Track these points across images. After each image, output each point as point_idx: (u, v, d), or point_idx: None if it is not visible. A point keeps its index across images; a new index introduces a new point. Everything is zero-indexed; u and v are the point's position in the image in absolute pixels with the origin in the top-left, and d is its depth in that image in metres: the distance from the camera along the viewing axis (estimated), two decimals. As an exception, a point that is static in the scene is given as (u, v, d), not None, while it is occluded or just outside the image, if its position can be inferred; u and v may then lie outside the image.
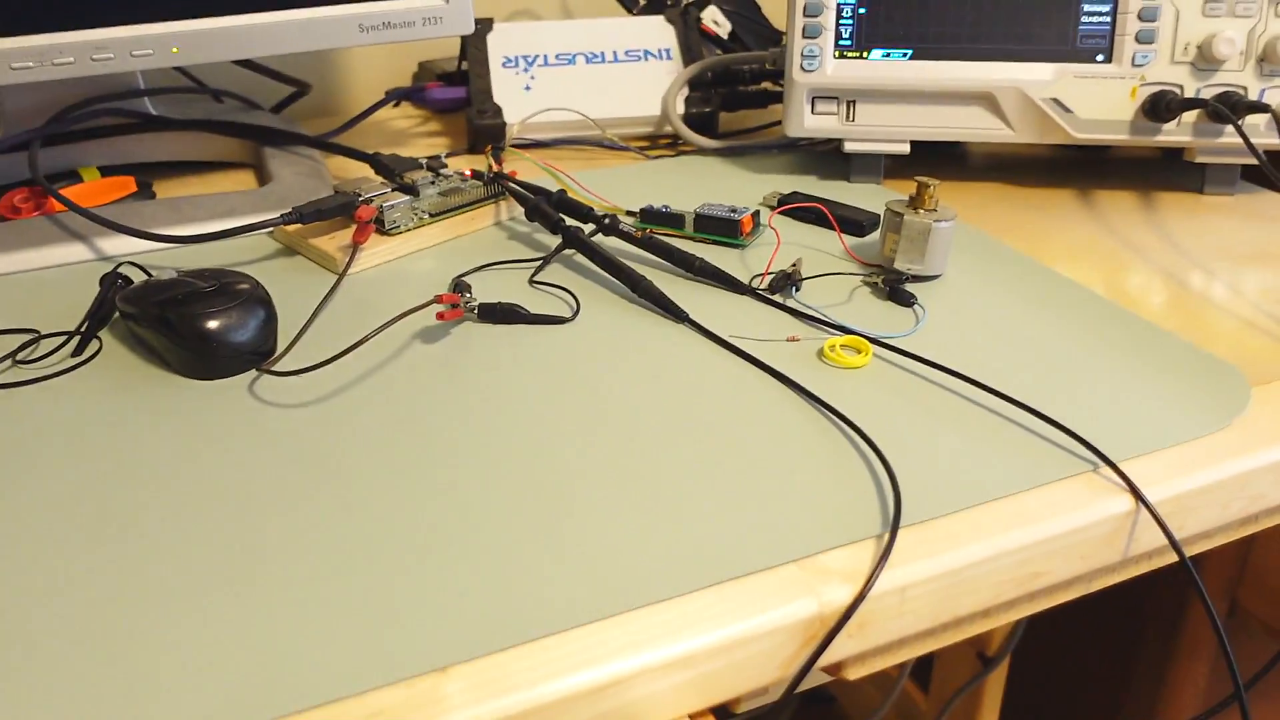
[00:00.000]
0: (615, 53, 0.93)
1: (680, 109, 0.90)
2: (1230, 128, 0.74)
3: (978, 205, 0.78)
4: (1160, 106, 0.74)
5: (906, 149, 0.79)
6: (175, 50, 0.74)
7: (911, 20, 0.76)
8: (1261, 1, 0.73)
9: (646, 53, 0.94)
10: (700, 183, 0.82)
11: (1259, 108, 0.72)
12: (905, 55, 0.77)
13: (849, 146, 0.79)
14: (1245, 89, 0.74)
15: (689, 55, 0.93)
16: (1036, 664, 1.20)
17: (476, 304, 0.62)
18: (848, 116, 0.78)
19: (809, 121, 0.79)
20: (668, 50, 0.94)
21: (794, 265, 0.66)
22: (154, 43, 0.73)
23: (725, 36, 0.98)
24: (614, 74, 0.92)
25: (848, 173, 0.81)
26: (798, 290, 0.64)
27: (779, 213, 0.75)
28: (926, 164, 0.83)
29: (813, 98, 0.78)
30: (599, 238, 0.70)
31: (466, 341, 0.60)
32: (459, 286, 0.64)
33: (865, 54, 0.77)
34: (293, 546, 0.44)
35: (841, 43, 0.77)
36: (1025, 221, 0.75)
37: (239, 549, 0.44)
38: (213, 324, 0.56)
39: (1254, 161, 0.73)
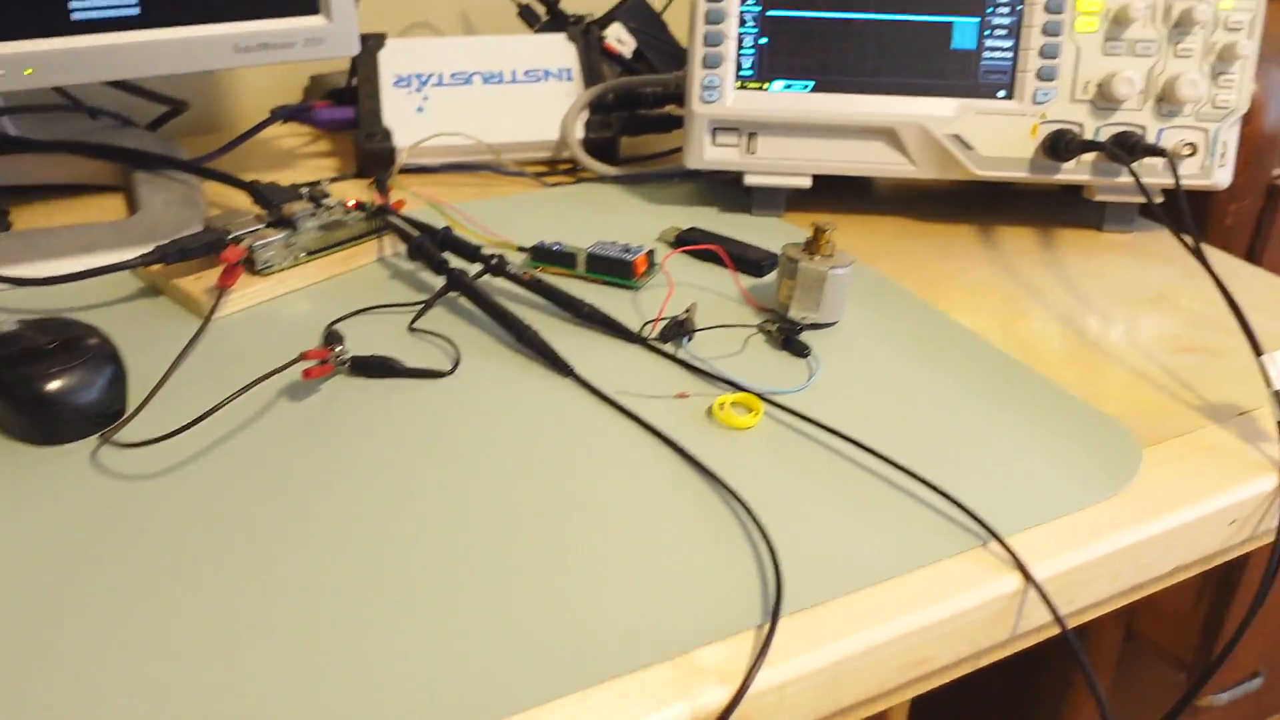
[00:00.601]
0: (514, 72, 0.90)
1: (580, 133, 0.87)
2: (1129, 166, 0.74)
3: (880, 242, 0.76)
4: (1060, 145, 0.73)
5: (808, 183, 0.77)
6: (29, 71, 0.69)
7: (813, 52, 0.74)
8: (1160, 41, 0.72)
9: (546, 73, 0.90)
10: (599, 213, 0.79)
11: (1155, 150, 0.71)
12: (807, 87, 0.75)
13: (750, 179, 0.77)
14: (1144, 128, 0.73)
15: (590, 76, 0.90)
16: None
17: (349, 357, 0.58)
18: (749, 149, 0.76)
19: (709, 153, 0.77)
20: (568, 70, 0.90)
21: (687, 311, 0.63)
22: (6, 63, 0.68)
23: (629, 56, 0.95)
24: (512, 95, 0.88)
25: (749, 205, 0.79)
26: (690, 340, 0.62)
27: (675, 252, 0.73)
28: (830, 196, 0.81)
29: (713, 129, 0.76)
30: (487, 278, 0.67)
31: (336, 399, 0.56)
32: (330, 337, 0.60)
33: (766, 85, 0.75)
34: (129, 638, 0.40)
35: (742, 73, 0.75)
36: (927, 261, 0.73)
37: (68, 638, 0.40)
38: (52, 385, 0.51)
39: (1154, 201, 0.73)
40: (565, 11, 0.97)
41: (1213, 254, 0.76)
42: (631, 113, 0.90)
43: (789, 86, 0.75)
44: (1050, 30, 0.72)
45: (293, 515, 0.48)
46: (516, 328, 0.61)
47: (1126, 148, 0.72)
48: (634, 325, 0.63)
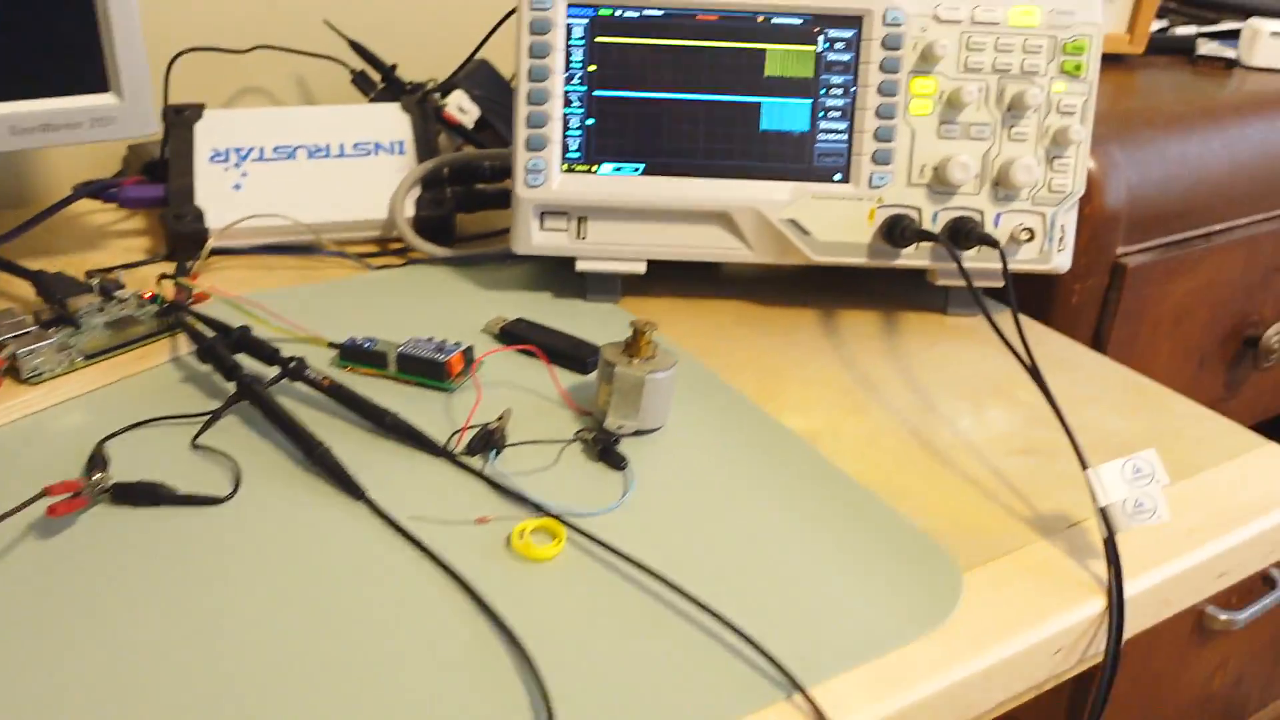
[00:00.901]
0: (342, 146, 0.85)
1: (410, 211, 0.82)
2: (970, 250, 0.72)
3: (720, 329, 0.73)
4: (896, 232, 0.70)
5: (642, 268, 0.74)
6: None
7: (643, 134, 0.71)
8: (994, 125, 0.70)
9: (377, 145, 0.85)
10: (425, 300, 0.74)
11: (987, 240, 0.69)
12: (637, 170, 0.72)
13: (581, 265, 0.73)
14: (981, 213, 0.72)
15: (425, 148, 0.85)
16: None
17: (110, 484, 0.53)
18: (579, 233, 0.72)
19: (537, 239, 0.73)
20: (400, 143, 0.86)
21: (499, 419, 0.59)
22: None
23: (471, 126, 0.91)
24: (339, 170, 0.83)
25: (584, 290, 0.75)
26: (498, 453, 0.58)
27: (495, 351, 0.68)
28: (670, 279, 0.78)
29: (540, 213, 0.72)
30: (285, 384, 0.62)
31: (93, 533, 0.50)
32: (93, 460, 0.54)
33: (594, 168, 0.72)
34: None
35: (570, 155, 0.71)
36: (768, 349, 0.70)
37: None
38: None
39: (997, 285, 0.71)
40: (402, 79, 0.93)
41: (1054, 340, 0.75)
42: (468, 188, 0.85)
43: (619, 169, 0.72)
44: (884, 113, 0.70)
45: (18, 682, 0.42)
46: (306, 443, 0.56)
47: (961, 235, 0.70)
48: (444, 434, 0.59)
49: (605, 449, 0.58)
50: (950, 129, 0.71)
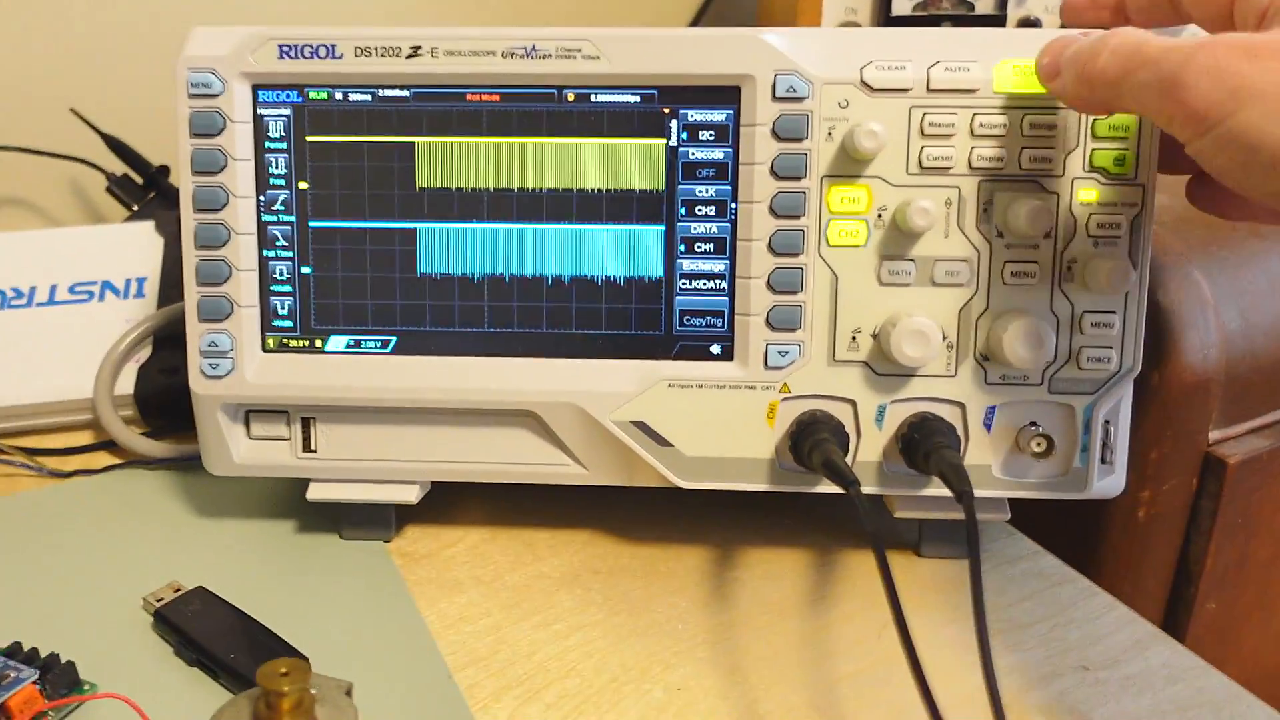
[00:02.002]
0: (54, 289, 0.60)
1: (127, 384, 0.56)
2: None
3: (538, 595, 0.44)
4: (807, 448, 0.41)
5: (413, 497, 0.46)
6: None
7: (391, 288, 0.44)
8: (976, 262, 0.41)
9: (106, 287, 0.60)
10: (90, 536, 0.47)
11: (951, 476, 0.39)
12: (384, 346, 0.44)
13: (315, 492, 0.46)
14: (962, 405, 0.42)
15: (174, 289, 0.60)
16: None
17: None
18: (305, 444, 0.45)
19: (243, 453, 0.46)
20: (141, 282, 0.60)
21: None
22: None
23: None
24: (43, 326, 0.58)
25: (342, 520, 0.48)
26: None
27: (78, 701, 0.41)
28: (483, 496, 0.50)
29: (241, 413, 0.45)
30: None
31: None
32: None
33: (319, 341, 0.45)
34: None
35: (277, 324, 0.44)
36: (606, 649, 0.42)
37: None
38: None
39: (1001, 517, 0.41)
40: (173, 185, 0.68)
41: (1098, 609, 0.44)
42: (232, 344, 0.59)
43: (356, 344, 0.45)
44: (783, 246, 0.42)
45: None
46: None
47: (920, 451, 0.41)
48: None
49: None
50: (898, 269, 0.42)
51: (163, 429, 0.56)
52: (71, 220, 0.73)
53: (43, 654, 0.39)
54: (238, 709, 0.33)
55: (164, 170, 0.67)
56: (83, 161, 0.68)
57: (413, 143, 0.43)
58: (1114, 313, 0.41)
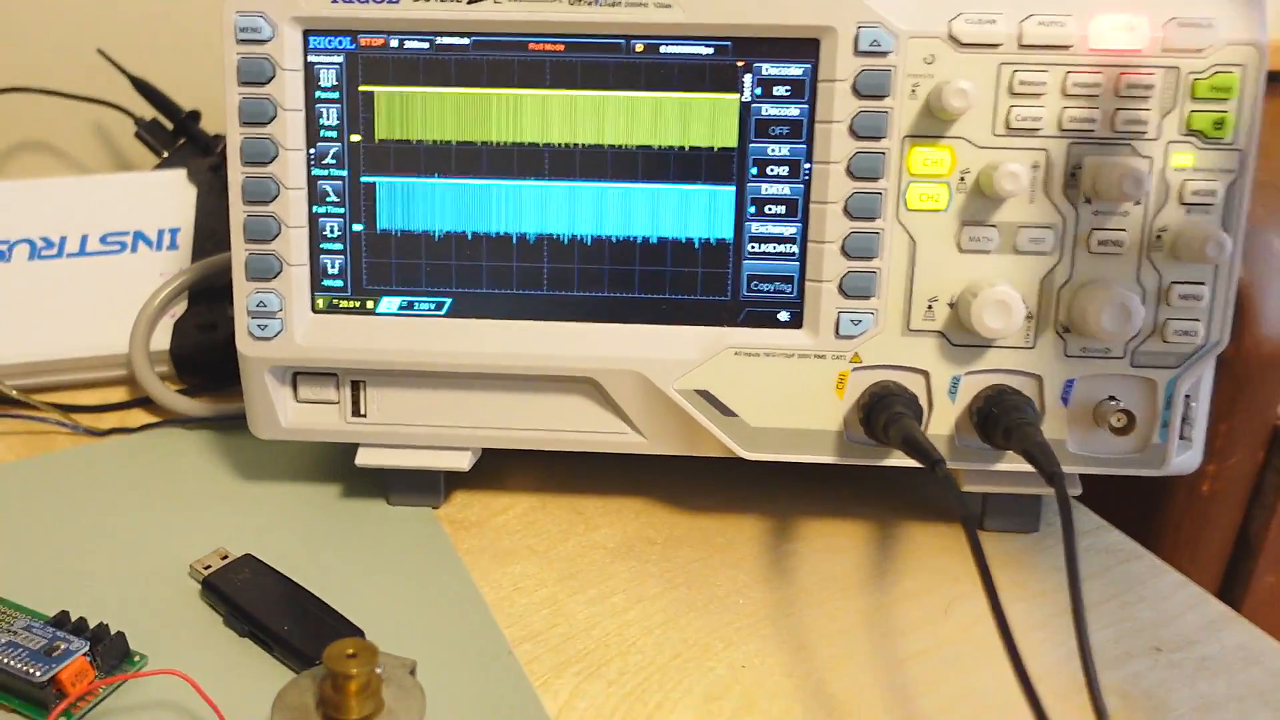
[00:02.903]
0: (85, 239, 0.58)
1: (163, 340, 0.54)
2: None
3: (593, 567, 0.43)
4: (880, 418, 0.40)
5: (465, 463, 0.45)
6: None
7: (447, 249, 0.42)
8: (1061, 228, 0.40)
9: (139, 237, 0.58)
10: (130, 500, 0.46)
11: (1039, 459, 0.38)
12: (439, 309, 0.43)
13: (364, 458, 0.45)
14: (1040, 378, 0.41)
15: (214, 241, 0.58)
16: None
17: None
18: (355, 408, 0.44)
19: (290, 417, 0.44)
20: (174, 233, 0.58)
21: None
22: None
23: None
24: (75, 277, 0.57)
25: (387, 487, 0.47)
26: None
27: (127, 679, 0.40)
28: (532, 462, 0.48)
29: (290, 376, 0.44)
30: None
31: None
32: None
33: (371, 303, 0.43)
34: None
35: (327, 284, 0.43)
36: (669, 608, 0.41)
37: None
38: None
39: (1074, 492, 0.40)
40: (207, 132, 0.66)
41: (1170, 586, 0.43)
42: (268, 298, 0.58)
43: (409, 305, 0.43)
44: (860, 210, 0.40)
45: None
46: None
47: (997, 425, 0.39)
48: None
49: None
50: (979, 235, 0.40)
51: (199, 386, 0.55)
52: (98, 166, 0.71)
53: (91, 624, 0.38)
54: (301, 690, 0.32)
55: (195, 115, 0.65)
56: (110, 105, 0.66)
57: (472, 94, 0.41)
58: (1203, 284, 0.40)
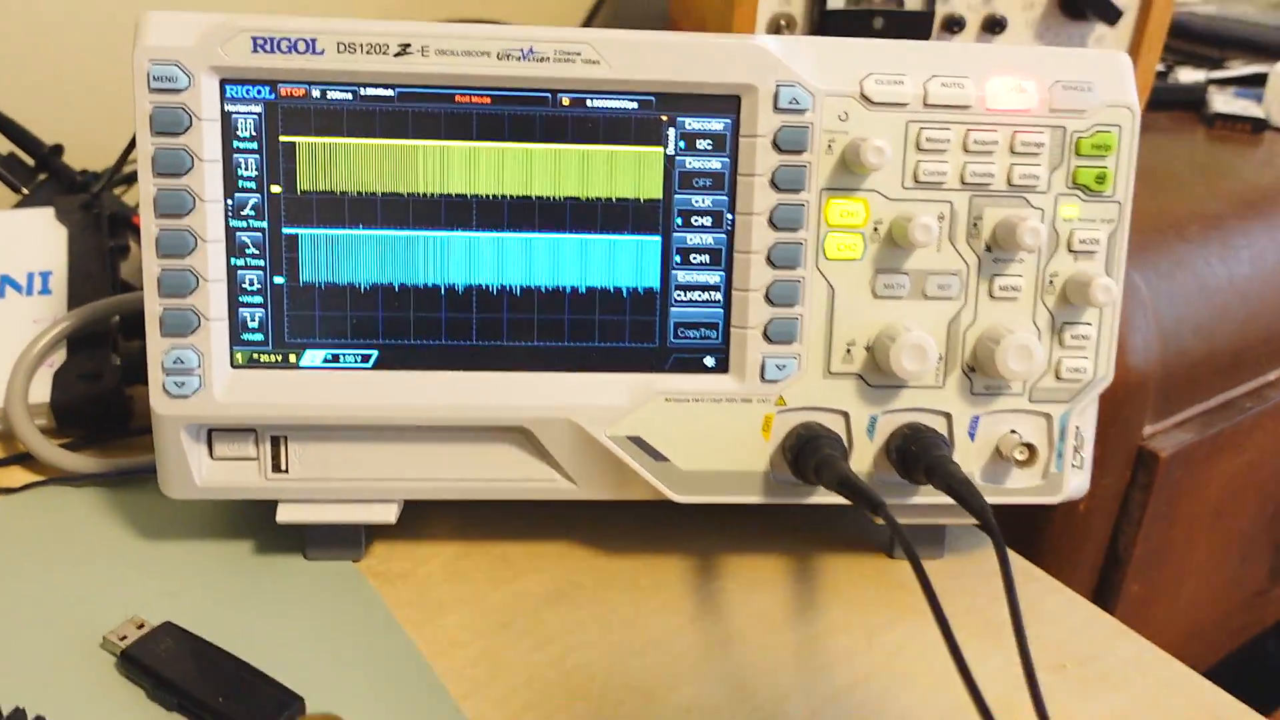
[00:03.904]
0: (-55, 285, 0.54)
1: (43, 391, 0.51)
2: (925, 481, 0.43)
3: (520, 613, 0.43)
4: (806, 459, 0.42)
5: (391, 516, 0.44)
6: None
7: (372, 300, 0.42)
8: (966, 275, 0.42)
9: (7, 281, 0.55)
10: (21, 569, 0.43)
11: (955, 487, 0.40)
12: (366, 360, 0.42)
13: (286, 514, 0.43)
14: (948, 416, 0.43)
15: (91, 284, 0.55)
16: None
17: None
18: (276, 463, 0.43)
19: (205, 475, 0.43)
20: (46, 276, 0.55)
21: None
22: None
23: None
24: (-64, 326, 0.53)
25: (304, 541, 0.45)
26: None
27: None
28: (456, 510, 0.48)
29: (204, 433, 0.42)
30: None
31: None
32: None
33: (294, 356, 0.42)
34: None
35: (247, 337, 0.42)
36: (598, 659, 0.41)
37: None
38: None
39: (969, 522, 0.43)
40: (70, 167, 0.62)
41: (1061, 600, 0.47)
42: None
43: (334, 358, 0.42)
44: (781, 259, 0.41)
45: None
46: None
47: (912, 461, 0.42)
48: None
49: None
50: (893, 283, 0.42)
51: (82, 440, 0.52)
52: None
53: (4, 710, 0.36)
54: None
55: (58, 149, 0.61)
56: (-38, 140, 0.62)
57: (396, 146, 0.40)
58: (1091, 324, 0.43)
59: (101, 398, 0.52)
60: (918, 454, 0.41)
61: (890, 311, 0.42)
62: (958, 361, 0.43)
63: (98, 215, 0.58)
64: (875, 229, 0.42)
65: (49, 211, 0.57)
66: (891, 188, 0.42)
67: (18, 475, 0.50)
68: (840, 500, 0.42)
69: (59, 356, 0.53)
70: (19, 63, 0.65)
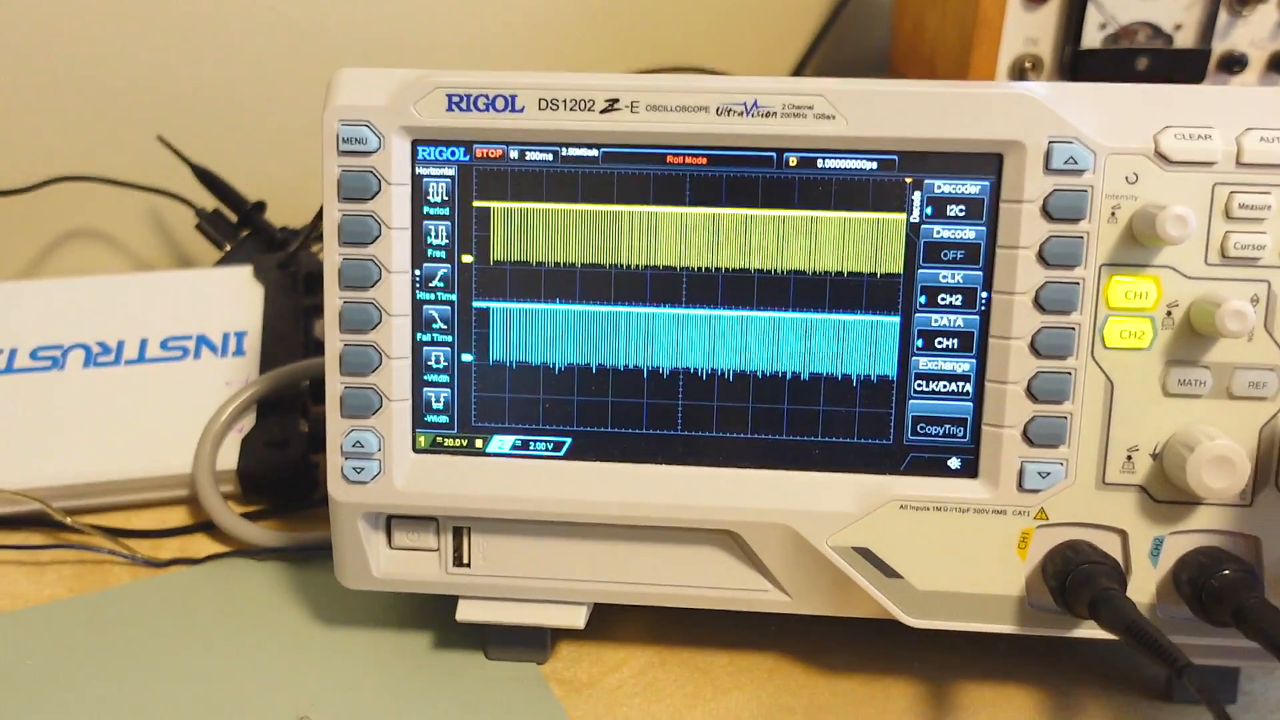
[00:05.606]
0: (144, 343, 0.53)
1: (229, 459, 0.50)
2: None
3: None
4: (1071, 584, 0.34)
5: (580, 620, 0.39)
6: None
7: (571, 382, 0.37)
8: (1286, 369, 0.34)
9: (202, 342, 0.54)
10: (183, 651, 0.41)
11: (1264, 630, 0.33)
12: (558, 449, 0.38)
13: (466, 613, 0.39)
14: (1258, 540, 0.35)
15: (285, 346, 0.53)
16: None
17: None
18: (458, 557, 0.39)
19: (383, 565, 0.39)
20: (240, 337, 0.54)
21: None
22: None
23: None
24: (130, 386, 0.52)
25: (485, 639, 0.41)
26: None
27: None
28: (650, 615, 0.43)
29: (383, 521, 0.39)
30: None
31: None
32: None
33: (480, 442, 0.38)
34: None
35: (431, 419, 0.38)
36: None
37: None
38: None
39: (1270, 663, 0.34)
40: (273, 224, 0.61)
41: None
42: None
43: (524, 445, 0.38)
44: (1049, 347, 0.35)
45: None
46: None
47: (1210, 596, 0.34)
48: None
49: None
50: (1190, 378, 0.35)
51: (267, 509, 0.50)
52: (155, 259, 0.67)
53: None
54: None
55: (260, 206, 0.61)
56: (169, 194, 0.62)
57: (600, 211, 0.36)
58: None
59: (287, 467, 0.50)
60: (1220, 590, 0.33)
61: (1186, 413, 0.35)
62: (1270, 475, 0.35)
63: (294, 274, 0.56)
64: (1169, 313, 0.34)
65: (247, 270, 0.56)
66: (1191, 264, 0.34)
67: (202, 544, 0.49)
68: (1109, 635, 0.34)
69: (248, 420, 0.51)
70: (226, 121, 0.65)
